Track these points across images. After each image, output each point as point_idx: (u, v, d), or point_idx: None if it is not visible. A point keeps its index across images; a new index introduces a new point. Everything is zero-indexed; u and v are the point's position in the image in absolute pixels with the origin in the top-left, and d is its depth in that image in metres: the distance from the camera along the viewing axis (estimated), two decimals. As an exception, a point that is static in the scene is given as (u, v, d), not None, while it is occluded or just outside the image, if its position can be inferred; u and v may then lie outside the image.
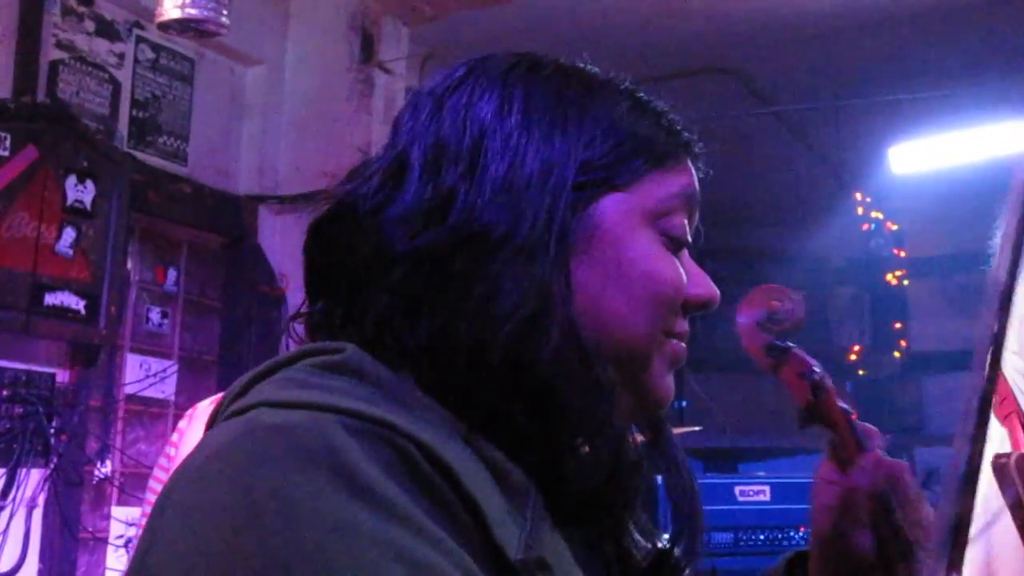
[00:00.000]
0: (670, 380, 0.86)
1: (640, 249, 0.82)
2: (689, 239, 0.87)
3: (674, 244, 0.85)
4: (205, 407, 2.74)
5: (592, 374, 0.77)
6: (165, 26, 2.87)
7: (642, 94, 0.89)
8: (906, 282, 7.31)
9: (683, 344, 0.86)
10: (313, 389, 0.71)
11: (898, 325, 7.34)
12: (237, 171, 4.46)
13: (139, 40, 4.09)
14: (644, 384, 0.83)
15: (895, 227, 7.18)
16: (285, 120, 4.48)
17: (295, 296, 4.36)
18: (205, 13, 2.80)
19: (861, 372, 7.29)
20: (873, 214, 7.08)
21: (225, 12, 2.89)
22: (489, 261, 0.76)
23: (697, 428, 3.98)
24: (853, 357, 7.31)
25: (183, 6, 2.78)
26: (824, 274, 7.46)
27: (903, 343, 7.30)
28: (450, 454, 0.69)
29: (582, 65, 0.89)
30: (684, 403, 4.09)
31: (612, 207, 0.82)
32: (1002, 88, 5.08)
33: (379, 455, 0.65)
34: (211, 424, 0.78)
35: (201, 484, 0.65)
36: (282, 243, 4.33)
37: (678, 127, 0.89)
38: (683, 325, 0.86)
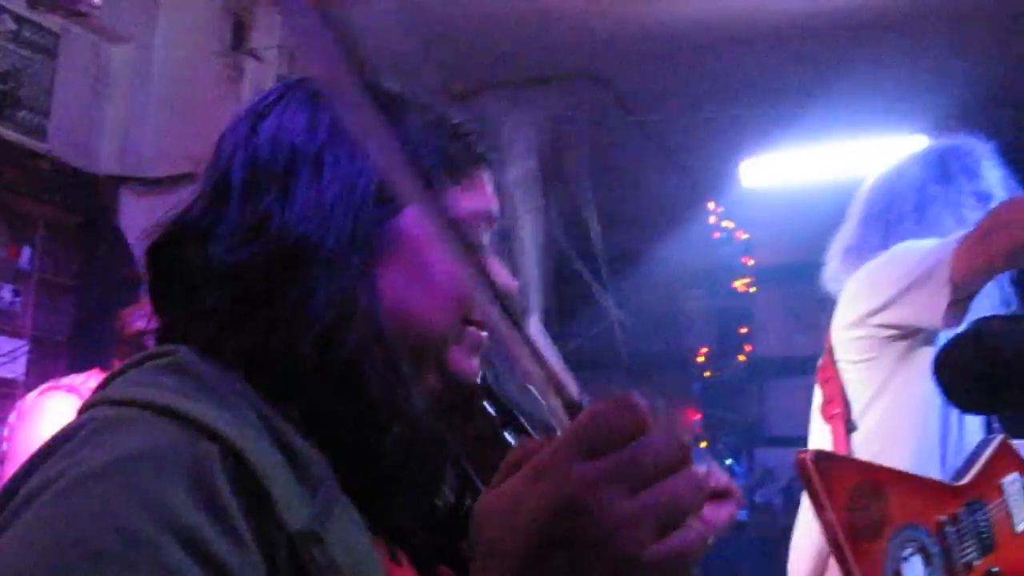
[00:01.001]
0: (473, 362, 0.98)
1: (439, 255, 0.91)
2: (486, 242, 1.00)
3: (473, 248, 0.94)
4: (33, 399, 2.72)
5: (392, 364, 0.89)
6: (35, 2, 2.81)
7: (443, 112, 1.01)
8: (753, 289, 7.62)
9: (484, 331, 0.98)
10: (147, 387, 0.84)
11: (744, 330, 7.64)
12: (99, 150, 4.37)
13: (0, 10, 3.98)
14: (447, 368, 0.96)
15: (745, 237, 7.49)
16: (151, 101, 4.41)
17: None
18: (79, -8, 2.75)
19: (708, 374, 7.57)
20: (724, 224, 7.37)
21: (100, -8, 2.84)
22: (302, 272, 0.88)
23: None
24: (701, 359, 7.59)
25: (56, -17, 2.73)
26: (677, 278, 7.70)
27: (748, 348, 7.61)
28: (248, 446, 0.80)
29: (385, 83, 0.99)
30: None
31: (413, 218, 0.93)
32: (848, 110, 5.37)
33: (174, 462, 0.77)
34: (83, 409, 0.88)
35: (53, 461, 0.81)
36: (144, 225, 4.26)
37: (475, 142, 1.01)
38: (483, 313, 0.95)
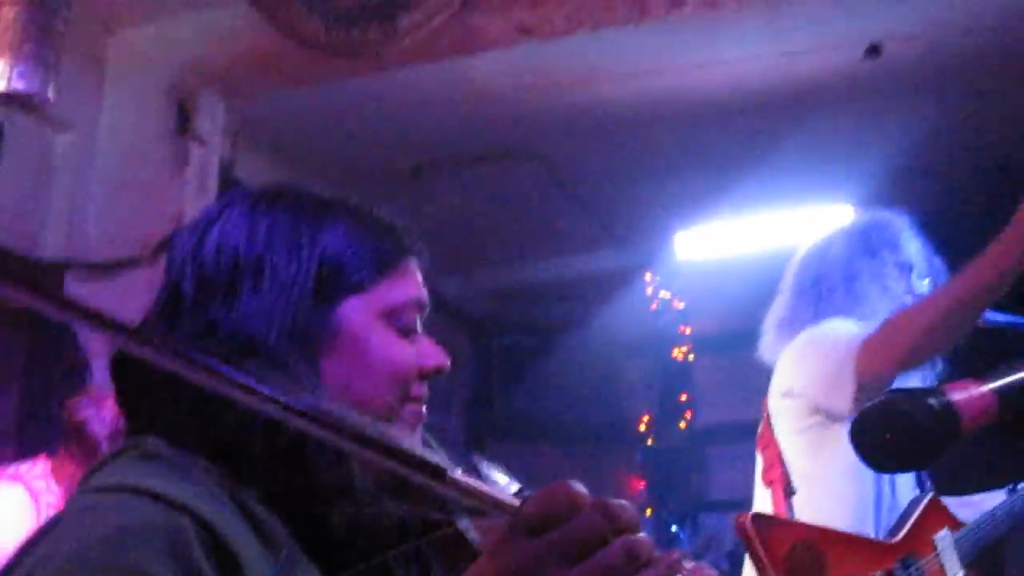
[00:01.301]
0: (414, 439, 1.10)
1: (376, 340, 1.07)
2: (418, 327, 1.12)
3: (405, 332, 1.10)
4: None
5: (335, 448, 0.98)
6: (-12, 99, 2.86)
7: (367, 208, 1.13)
8: (691, 357, 7.74)
9: (421, 406, 1.11)
10: (124, 473, 0.97)
11: (684, 397, 7.75)
12: (43, 236, 4.38)
13: (-56, 101, 4.01)
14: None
15: (681, 306, 7.62)
16: (96, 186, 4.44)
17: (100, 365, 4.31)
18: (32, 87, 2.80)
19: (650, 442, 7.64)
20: (662, 293, 7.50)
21: (52, 85, 2.90)
22: (251, 365, 0.98)
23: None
24: (643, 427, 7.66)
25: (9, 78, 2.77)
26: (616, 348, 7.79)
27: (688, 414, 7.70)
28: (217, 518, 0.91)
29: (314, 191, 1.13)
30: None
31: (351, 310, 1.06)
32: (778, 181, 5.56)
33: (160, 537, 0.88)
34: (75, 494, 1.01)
35: (52, 541, 0.92)
36: (89, 310, 4.26)
37: (402, 236, 1.13)
38: (419, 390, 1.11)
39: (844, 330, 2.44)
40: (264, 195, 1.11)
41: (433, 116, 5.15)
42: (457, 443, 7.52)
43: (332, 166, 5.54)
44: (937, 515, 2.53)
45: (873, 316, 2.50)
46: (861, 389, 2.30)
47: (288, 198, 1.11)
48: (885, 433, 0.97)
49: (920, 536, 2.45)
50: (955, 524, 2.53)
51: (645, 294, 7.49)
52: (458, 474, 0.83)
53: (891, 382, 2.29)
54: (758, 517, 2.33)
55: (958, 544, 2.47)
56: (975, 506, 2.64)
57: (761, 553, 2.23)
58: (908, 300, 2.55)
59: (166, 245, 4.23)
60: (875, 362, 2.29)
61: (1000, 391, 0.97)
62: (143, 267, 4.26)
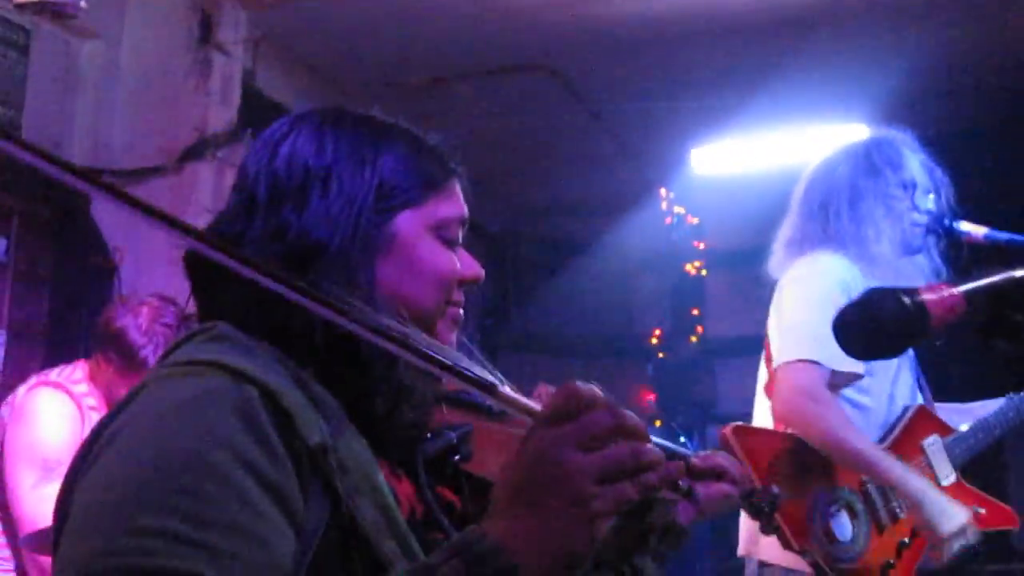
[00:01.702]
0: (452, 336, 1.24)
1: (425, 250, 1.21)
2: (460, 239, 1.27)
3: (450, 244, 1.24)
4: (23, 396, 2.86)
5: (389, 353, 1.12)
6: (22, 6, 2.93)
7: (418, 133, 1.27)
8: (704, 272, 7.84)
9: (459, 309, 1.25)
10: (197, 352, 1.10)
11: (695, 312, 7.87)
12: (71, 144, 4.48)
13: (-27, 9, 4.08)
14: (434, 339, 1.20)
15: (695, 221, 7.70)
16: (121, 96, 4.52)
17: (128, 270, 4.44)
18: (66, -6, 2.87)
19: (661, 355, 7.78)
20: (676, 209, 7.57)
21: (83, -7, 2.96)
22: (313, 267, 1.13)
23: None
24: (654, 341, 7.80)
25: (43, -13, 2.84)
26: (630, 263, 7.89)
27: (699, 329, 7.83)
28: (280, 387, 1.05)
29: (372, 114, 1.27)
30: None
31: (404, 222, 1.20)
32: (794, 100, 5.59)
33: (224, 395, 1.02)
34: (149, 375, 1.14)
35: (132, 413, 1.06)
36: (116, 217, 4.38)
37: (447, 159, 1.28)
38: (459, 295, 1.25)
39: (813, 300, 2.53)
40: (329, 115, 1.24)
41: (451, 29, 5.19)
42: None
43: (350, 77, 5.60)
44: (927, 422, 2.65)
45: (878, 236, 2.59)
46: None
47: (351, 120, 1.24)
48: (862, 325, 1.09)
49: (908, 442, 2.58)
50: (946, 431, 2.65)
51: (660, 210, 7.56)
52: (505, 389, 1.02)
53: None
54: (739, 428, 2.47)
55: (949, 449, 2.59)
56: (971, 413, 2.76)
57: (744, 460, 2.37)
58: (916, 218, 2.63)
59: (191, 153, 4.33)
60: (780, 392, 2.49)
61: (967, 293, 1.08)
62: (168, 175, 4.36)
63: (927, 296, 1.06)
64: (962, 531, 2.43)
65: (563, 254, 7.90)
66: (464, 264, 1.25)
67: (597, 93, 6.07)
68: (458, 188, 1.28)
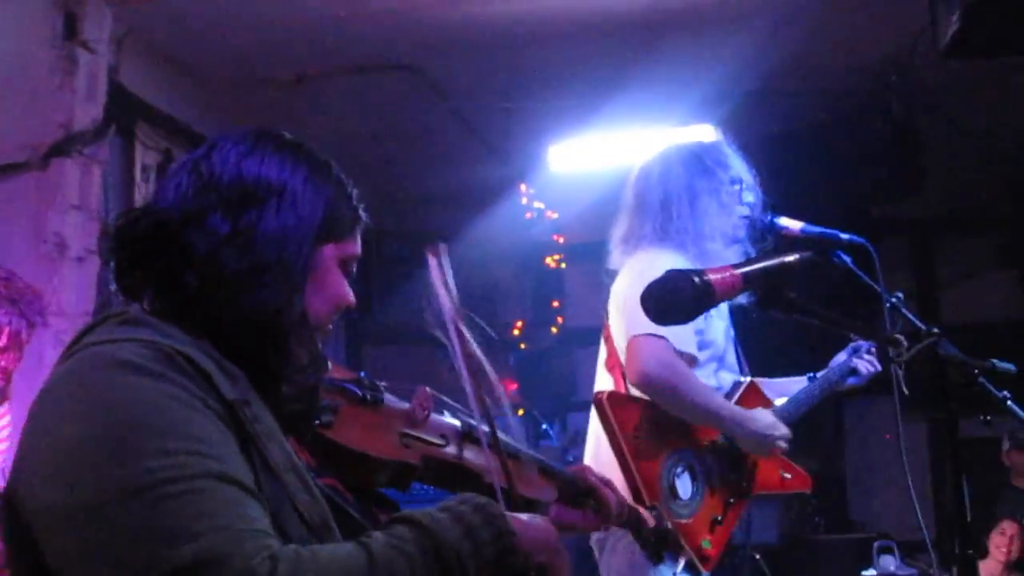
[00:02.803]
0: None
1: (335, 279, 1.43)
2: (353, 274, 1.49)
3: (348, 276, 1.47)
4: None
5: (308, 338, 1.37)
6: None
7: (344, 181, 1.47)
8: (563, 265, 8.12)
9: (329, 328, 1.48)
10: (111, 334, 1.26)
11: (555, 304, 8.13)
12: (-67, 141, 4.44)
13: None
14: (315, 345, 1.42)
15: (554, 216, 7.96)
16: (-17, 92, 4.49)
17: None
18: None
19: (523, 346, 8.03)
20: (536, 204, 7.82)
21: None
22: (263, 278, 1.31)
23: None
24: (516, 332, 8.04)
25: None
26: (492, 257, 8.09)
27: (560, 319, 8.10)
28: (192, 352, 1.22)
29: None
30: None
31: (328, 252, 1.42)
32: (645, 100, 5.88)
33: (145, 353, 1.20)
34: (63, 359, 1.30)
35: (59, 387, 1.23)
36: (-22, 214, 4.36)
37: (359, 206, 1.49)
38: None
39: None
40: (287, 140, 1.43)
41: (316, 27, 5.26)
42: (338, 349, 7.77)
43: (217, 74, 5.65)
44: (755, 396, 2.96)
45: (712, 232, 2.87)
46: None
47: (305, 149, 1.43)
48: (662, 298, 1.33)
49: (743, 410, 2.87)
50: (768, 403, 2.96)
51: (520, 205, 7.79)
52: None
53: None
54: (613, 394, 2.73)
55: None
56: (783, 389, 3.08)
57: (613, 422, 2.63)
58: (741, 211, 2.91)
59: (57, 150, 4.36)
60: (635, 362, 2.74)
61: (745, 274, 1.34)
62: (33, 171, 4.37)
63: (713, 276, 1.31)
64: (773, 427, 2.77)
65: (427, 248, 8.02)
66: (350, 292, 1.47)
67: (458, 92, 6.24)
68: (359, 231, 1.49)
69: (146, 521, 1.08)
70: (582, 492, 1.79)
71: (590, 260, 7.54)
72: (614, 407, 2.68)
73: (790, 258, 1.33)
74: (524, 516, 1.34)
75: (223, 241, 1.30)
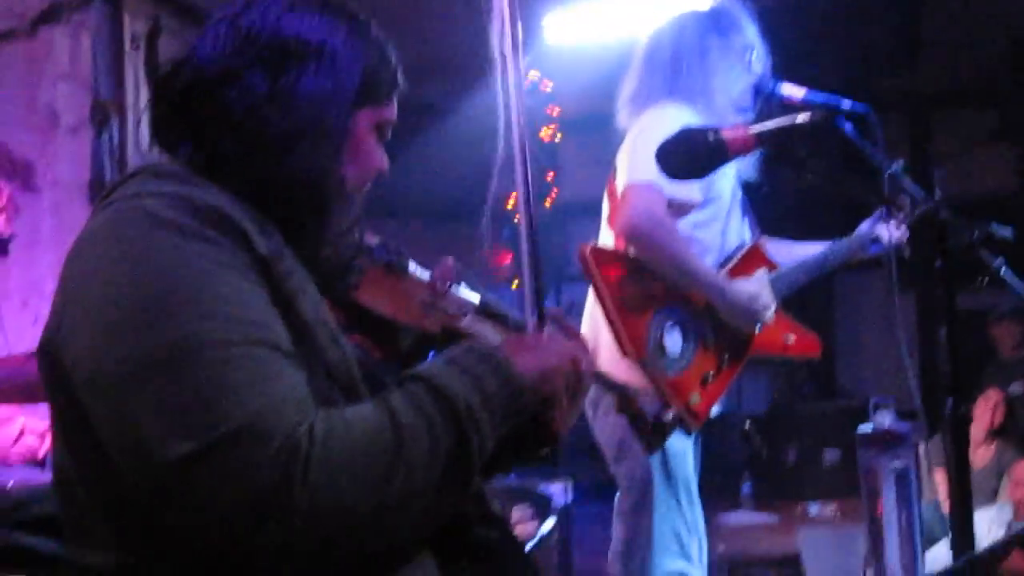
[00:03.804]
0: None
1: (371, 146, 1.40)
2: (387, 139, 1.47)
3: (381, 140, 1.44)
4: None
5: (348, 202, 1.39)
6: None
7: (384, 42, 1.42)
8: (558, 137, 8.07)
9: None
10: (147, 186, 1.24)
11: (550, 176, 8.11)
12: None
13: None
14: (357, 206, 1.43)
15: (550, 87, 7.87)
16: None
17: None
18: None
19: (516, 218, 8.03)
20: (531, 75, 7.72)
21: None
22: (301, 144, 1.29)
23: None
24: (510, 205, 8.03)
25: None
26: (486, 128, 8.00)
27: (554, 192, 8.09)
28: (228, 208, 1.20)
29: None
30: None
31: (364, 117, 1.38)
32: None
33: (181, 209, 1.19)
34: (97, 210, 1.28)
35: (96, 242, 1.22)
36: (-31, 81, 4.31)
37: (398, 70, 1.45)
38: None
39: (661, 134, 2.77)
40: (329, 0, 1.38)
41: None
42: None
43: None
44: (757, 258, 2.97)
45: (722, 90, 2.85)
46: None
47: (344, 8, 1.39)
48: (677, 152, 1.35)
49: (740, 273, 2.89)
50: (772, 266, 2.97)
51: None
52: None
53: None
54: (596, 248, 2.75)
55: (773, 283, 2.92)
56: (795, 252, 3.09)
57: (597, 275, 2.66)
58: (749, 79, 2.89)
59: (45, 17, 4.28)
60: (625, 210, 2.71)
61: (758, 133, 1.35)
62: (21, 39, 4.31)
63: (727, 133, 1.32)
64: (754, 299, 2.78)
65: (421, 119, 7.98)
66: (385, 159, 1.45)
67: (452, -42, 6.10)
68: (396, 96, 1.45)
69: (191, 385, 1.08)
70: None
71: (586, 132, 7.60)
72: (598, 260, 2.69)
73: (801, 117, 1.34)
74: (518, 344, 1.37)
75: (262, 100, 1.28)
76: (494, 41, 1.46)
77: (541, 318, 1.47)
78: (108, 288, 1.15)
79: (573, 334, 1.49)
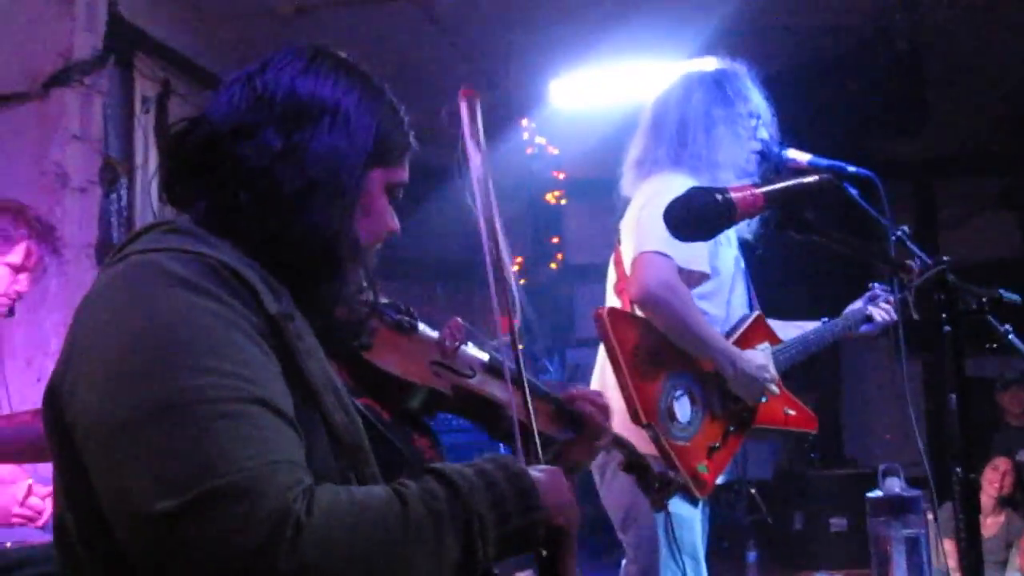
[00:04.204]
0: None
1: (382, 206, 1.40)
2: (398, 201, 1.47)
3: (393, 201, 1.44)
4: None
5: (362, 262, 1.38)
6: None
7: (397, 106, 1.44)
8: (563, 201, 8.11)
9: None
10: (159, 242, 1.24)
11: (555, 240, 8.14)
12: (-71, 69, 4.41)
13: None
14: (368, 266, 1.43)
15: (555, 152, 7.94)
16: (-18, 21, 4.45)
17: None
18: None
19: (523, 281, 8.05)
20: (537, 139, 7.79)
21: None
22: (314, 200, 1.30)
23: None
24: (516, 268, 8.07)
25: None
26: (492, 192, 8.06)
27: (559, 256, 8.12)
28: (239, 266, 1.21)
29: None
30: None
31: (376, 176, 1.38)
32: (648, 33, 5.83)
33: (192, 266, 1.18)
34: (107, 266, 1.28)
35: (106, 294, 1.21)
36: (-20, 142, 4.34)
37: (410, 133, 1.46)
38: None
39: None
40: (343, 59, 1.40)
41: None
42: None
43: (216, 6, 5.60)
44: (761, 330, 2.97)
45: (726, 161, 2.85)
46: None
47: (359, 70, 1.41)
48: (686, 213, 1.35)
49: (745, 344, 2.88)
50: (775, 340, 2.97)
51: (521, 140, 7.76)
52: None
53: None
54: (613, 311, 2.74)
55: (775, 356, 2.91)
56: (793, 330, 3.09)
57: (612, 339, 2.65)
58: (754, 146, 2.90)
59: (57, 79, 4.33)
60: (638, 278, 2.71)
61: (767, 193, 1.35)
62: (33, 101, 4.35)
63: (735, 194, 1.32)
64: (763, 368, 2.78)
65: (428, 182, 8.02)
66: (394, 220, 1.44)
67: (460, 24, 6.18)
68: (407, 158, 1.45)
69: (182, 440, 1.07)
70: (575, 419, 1.78)
71: (590, 197, 7.65)
72: (614, 323, 2.69)
73: (809, 179, 1.34)
74: (543, 474, 1.32)
75: (277, 157, 1.28)
76: (474, 171, 1.48)
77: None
78: (113, 338, 1.14)
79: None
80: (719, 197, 1.30)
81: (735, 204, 1.30)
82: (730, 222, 1.33)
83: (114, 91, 4.87)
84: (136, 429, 1.08)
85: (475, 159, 1.52)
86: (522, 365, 1.53)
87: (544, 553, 1.33)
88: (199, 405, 1.09)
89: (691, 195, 1.32)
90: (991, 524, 5.54)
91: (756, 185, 1.35)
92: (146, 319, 1.14)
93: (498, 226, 1.49)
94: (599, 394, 1.85)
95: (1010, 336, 1.93)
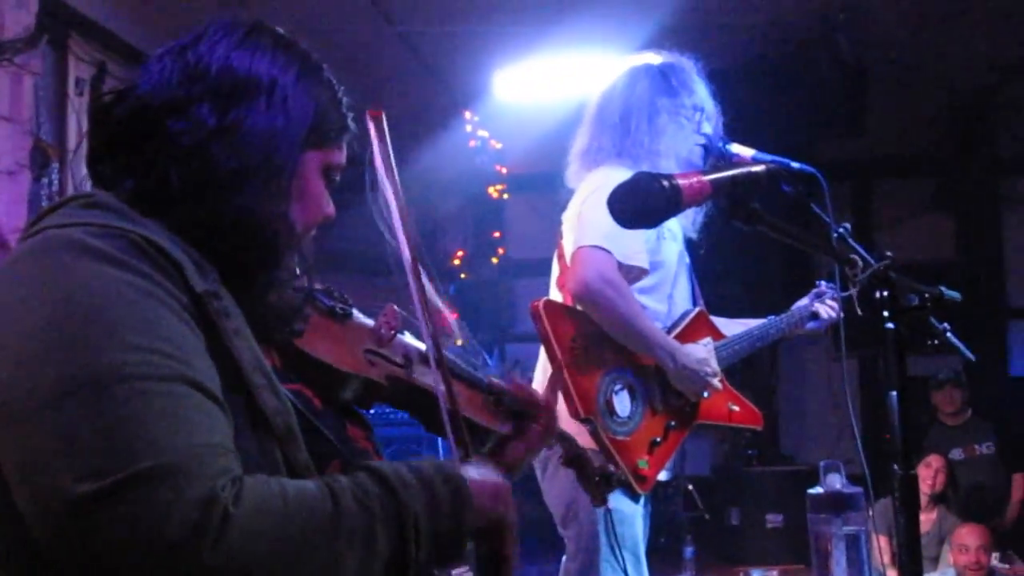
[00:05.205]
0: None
1: (318, 187, 1.34)
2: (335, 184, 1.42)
3: (329, 185, 1.37)
4: None
5: (298, 246, 1.32)
6: None
7: (336, 86, 1.38)
8: (505, 196, 8.08)
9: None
10: (78, 216, 1.15)
11: (496, 234, 8.10)
12: None
13: None
14: (303, 251, 1.38)
15: (498, 146, 7.90)
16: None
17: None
18: None
19: (463, 276, 8.01)
20: (480, 132, 7.75)
21: None
22: (249, 182, 1.23)
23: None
24: (456, 262, 8.02)
25: None
26: (434, 185, 8.04)
27: (500, 251, 8.08)
28: (164, 242, 1.14)
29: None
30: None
31: (311, 159, 1.32)
32: (591, 27, 5.82)
33: (115, 241, 1.11)
34: (20, 241, 1.20)
35: (20, 269, 1.12)
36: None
37: (348, 114, 1.39)
38: None
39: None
40: (281, 36, 1.33)
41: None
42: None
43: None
44: (704, 326, 2.96)
45: (668, 152, 2.83)
46: None
47: (299, 48, 1.34)
48: (631, 200, 1.31)
49: (687, 339, 2.87)
50: (718, 335, 2.96)
51: (464, 133, 7.72)
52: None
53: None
54: (549, 303, 2.71)
55: (718, 351, 2.90)
56: (736, 326, 3.09)
57: (549, 332, 2.62)
58: (698, 139, 2.88)
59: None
60: (577, 272, 2.68)
61: (713, 181, 1.32)
62: None
63: (682, 181, 1.29)
64: (704, 363, 2.77)
65: (368, 174, 7.93)
66: (329, 204, 1.38)
67: (405, 14, 6.13)
68: (346, 141, 1.39)
69: (104, 419, 1.00)
70: (524, 412, 1.73)
71: (533, 191, 7.64)
72: (551, 316, 2.66)
73: (757, 168, 1.31)
74: (478, 473, 1.28)
75: (211, 134, 1.21)
76: (387, 193, 1.44)
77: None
78: (28, 315, 1.06)
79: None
80: (665, 183, 1.27)
81: (681, 190, 1.27)
82: (676, 208, 1.29)
83: (47, 72, 4.74)
84: (52, 408, 1.01)
85: (385, 181, 1.47)
86: (444, 353, 1.49)
87: (483, 549, 1.29)
88: (123, 383, 1.02)
89: (636, 180, 1.29)
90: (924, 521, 5.61)
91: (703, 172, 1.32)
92: (65, 293, 1.06)
93: (406, 254, 1.45)
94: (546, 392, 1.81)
95: (948, 334, 1.93)
